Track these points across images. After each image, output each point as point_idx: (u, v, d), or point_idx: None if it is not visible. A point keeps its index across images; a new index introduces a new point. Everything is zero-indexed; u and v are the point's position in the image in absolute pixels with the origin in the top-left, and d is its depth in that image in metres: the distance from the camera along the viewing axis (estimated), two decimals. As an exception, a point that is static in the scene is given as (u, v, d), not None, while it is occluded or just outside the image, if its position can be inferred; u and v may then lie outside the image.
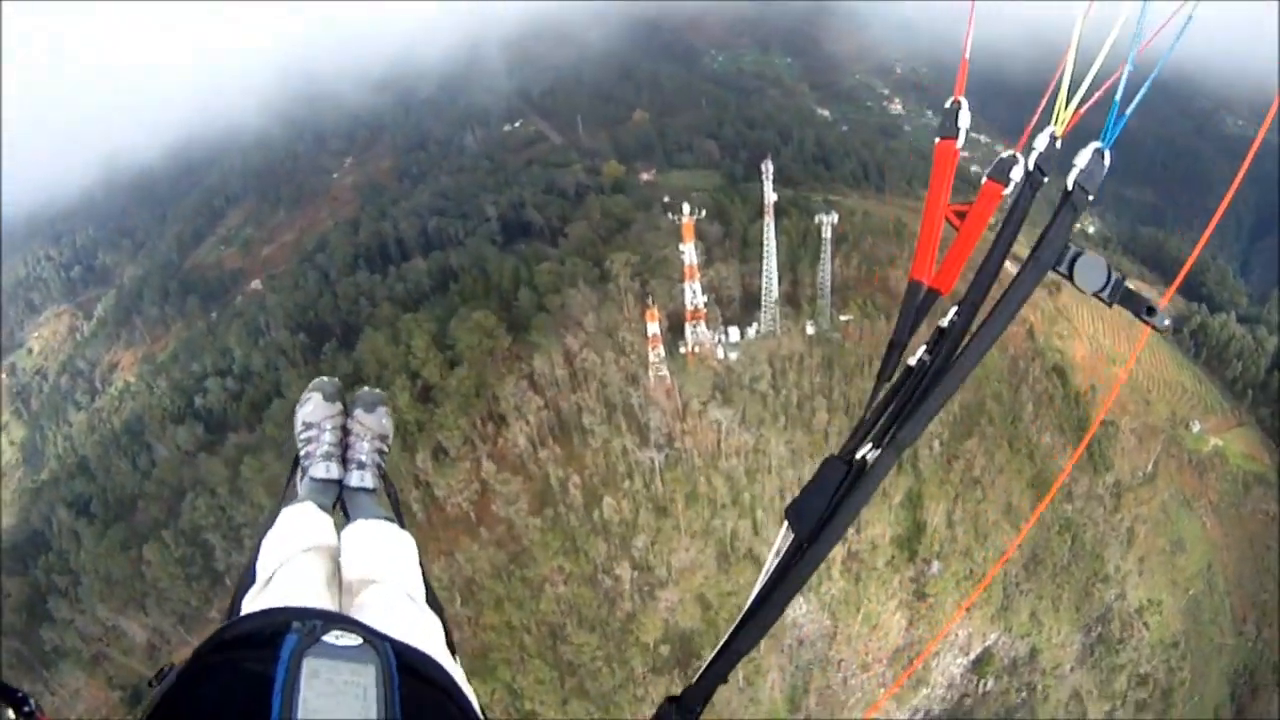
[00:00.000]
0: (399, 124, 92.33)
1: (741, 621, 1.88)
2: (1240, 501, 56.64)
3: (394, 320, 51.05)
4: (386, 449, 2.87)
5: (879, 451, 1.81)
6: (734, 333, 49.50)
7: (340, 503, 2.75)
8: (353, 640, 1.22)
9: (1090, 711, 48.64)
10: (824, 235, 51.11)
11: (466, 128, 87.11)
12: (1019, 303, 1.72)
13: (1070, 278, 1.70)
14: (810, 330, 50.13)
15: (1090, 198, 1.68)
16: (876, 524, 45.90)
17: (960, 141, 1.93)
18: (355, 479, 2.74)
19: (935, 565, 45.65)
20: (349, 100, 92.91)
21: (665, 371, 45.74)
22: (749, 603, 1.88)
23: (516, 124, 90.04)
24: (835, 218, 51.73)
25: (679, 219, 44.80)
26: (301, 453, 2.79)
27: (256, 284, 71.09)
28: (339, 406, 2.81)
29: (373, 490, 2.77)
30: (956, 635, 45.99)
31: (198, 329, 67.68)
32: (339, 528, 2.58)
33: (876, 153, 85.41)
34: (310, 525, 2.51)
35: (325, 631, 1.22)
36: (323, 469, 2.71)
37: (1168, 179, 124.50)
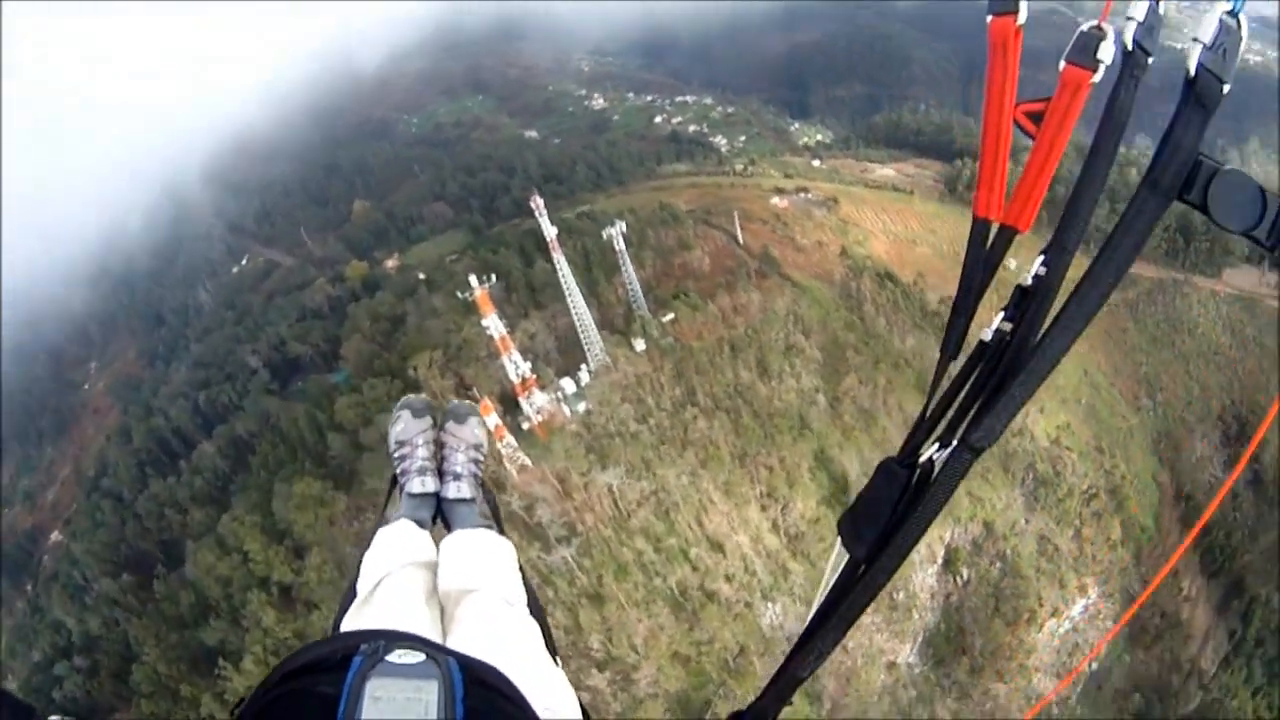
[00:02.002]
0: (127, 308, 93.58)
1: (798, 647, 1.83)
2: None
3: (213, 525, 50.58)
4: (482, 458, 3.17)
5: (947, 451, 1.57)
6: (568, 384, 50.90)
7: (440, 516, 3.05)
8: (416, 658, 1.37)
9: (1060, 544, 55.10)
10: (618, 246, 54.03)
11: (196, 285, 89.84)
12: (1135, 245, 1.36)
13: (1204, 208, 1.33)
14: (641, 346, 52.89)
15: (1225, 87, 1.32)
16: (799, 500, 51.59)
17: (1022, 17, 1.48)
18: (452, 491, 3.03)
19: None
20: (69, 304, 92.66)
21: (525, 459, 46.39)
22: (806, 626, 1.84)
23: (244, 261, 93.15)
24: (624, 225, 55.09)
25: (470, 295, 46.92)
26: (397, 470, 3.09)
27: (56, 536, 70.02)
28: (429, 421, 3.13)
29: (471, 500, 3.05)
30: (919, 552, 51.95)
31: (20, 613, 64.80)
32: (439, 541, 2.85)
33: (600, 151, 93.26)
34: (407, 541, 2.78)
35: (389, 651, 1.37)
36: (418, 484, 3.01)
37: (867, 67, 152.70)
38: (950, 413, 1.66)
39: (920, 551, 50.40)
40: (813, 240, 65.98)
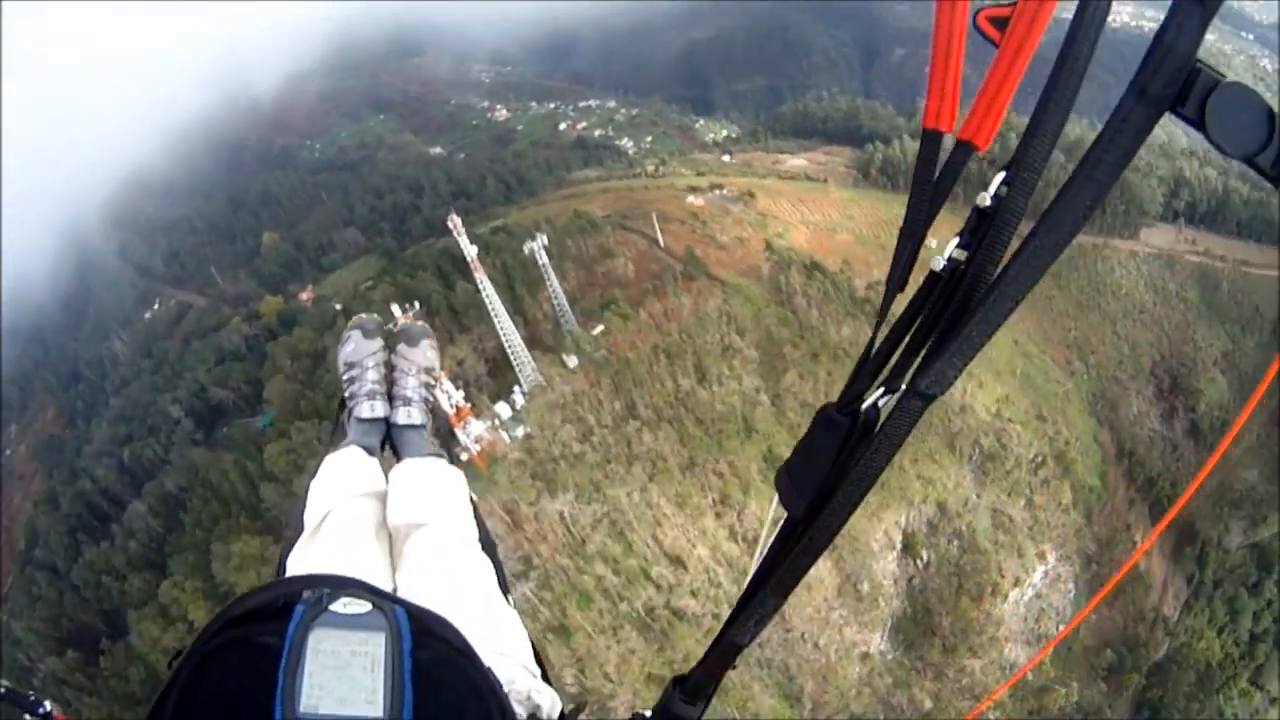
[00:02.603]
0: (42, 365, 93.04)
1: (736, 613, 1.82)
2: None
3: (153, 591, 50.36)
4: (434, 383, 3.23)
5: (894, 398, 1.50)
6: (504, 409, 51.44)
7: (390, 442, 3.10)
8: (362, 607, 1.37)
9: (1014, 515, 58.67)
10: (541, 261, 55.22)
11: (110, 335, 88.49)
12: (1119, 162, 1.22)
13: (1200, 124, 1.19)
14: (574, 362, 54.00)
15: None
16: (754, 503, 53.12)
17: None
18: (402, 416, 3.09)
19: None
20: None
21: (470, 494, 47.79)
22: (744, 590, 1.84)
23: (156, 306, 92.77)
24: (545, 239, 56.36)
25: (393, 325, 47.04)
26: (345, 394, 3.15)
27: (-4, 617, 66.74)
28: (380, 343, 3.16)
29: (421, 426, 3.12)
30: (876, 539, 54.10)
31: (-33, 706, 62.13)
32: (389, 468, 2.89)
33: (508, 163, 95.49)
34: (355, 470, 2.82)
35: (334, 599, 1.37)
36: (367, 408, 3.06)
37: (767, 59, 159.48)
38: (898, 354, 1.60)
39: (878, 539, 52.81)
40: (733, 237, 68.46)
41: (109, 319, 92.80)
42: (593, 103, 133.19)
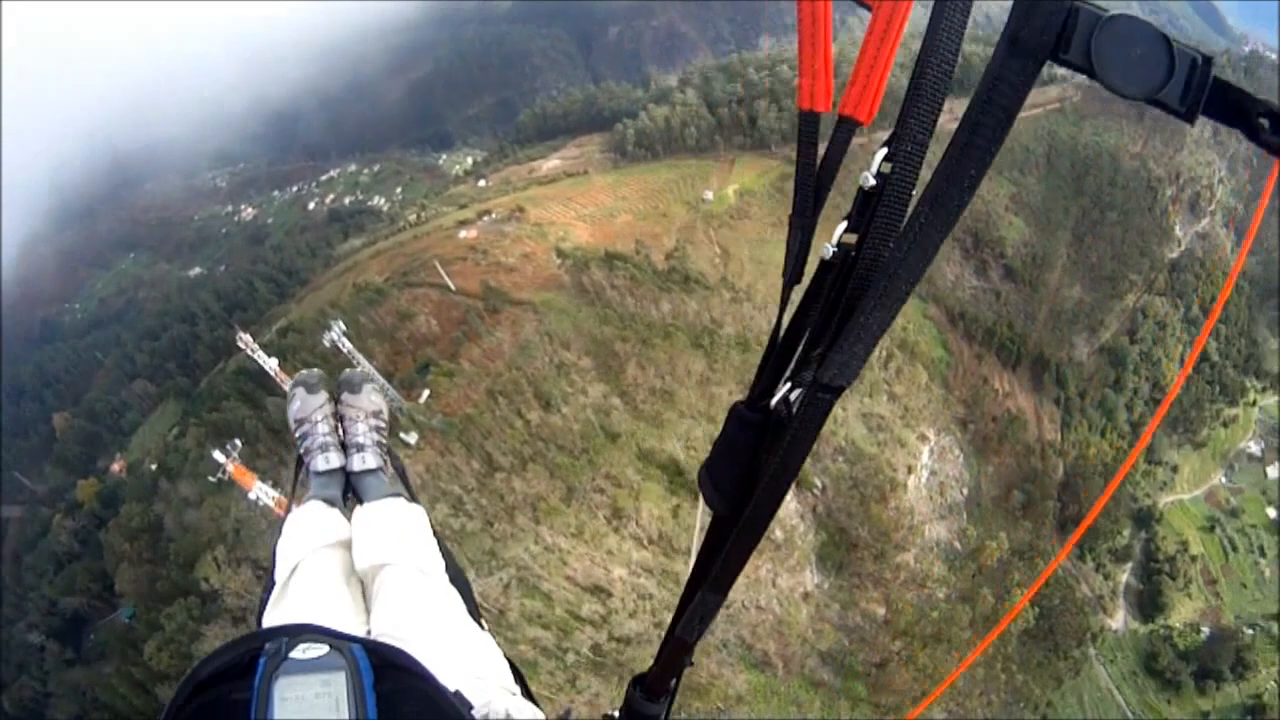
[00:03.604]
0: None
1: (679, 612, 2.00)
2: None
3: None
4: (384, 424, 3.55)
5: (800, 392, 1.57)
6: None
7: (351, 490, 3.44)
8: (320, 650, 1.52)
9: (883, 412, 65.65)
10: (344, 347, 56.52)
11: None
12: (1000, 124, 1.18)
13: (1088, 69, 1.13)
14: (414, 438, 54.98)
15: None
16: (645, 505, 56.09)
17: None
18: (357, 462, 3.42)
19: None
20: None
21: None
22: (683, 590, 1.99)
23: None
24: (341, 324, 58.09)
25: (223, 474, 46.78)
26: (300, 450, 3.47)
27: None
28: (325, 395, 3.50)
29: (377, 470, 3.44)
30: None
31: None
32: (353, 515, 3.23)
33: (270, 260, 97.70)
34: (318, 523, 3.15)
35: (293, 647, 1.52)
36: (322, 460, 3.39)
37: (489, 77, 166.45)
38: (800, 346, 1.69)
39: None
40: (519, 256, 71.88)
41: None
42: (333, 172, 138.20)
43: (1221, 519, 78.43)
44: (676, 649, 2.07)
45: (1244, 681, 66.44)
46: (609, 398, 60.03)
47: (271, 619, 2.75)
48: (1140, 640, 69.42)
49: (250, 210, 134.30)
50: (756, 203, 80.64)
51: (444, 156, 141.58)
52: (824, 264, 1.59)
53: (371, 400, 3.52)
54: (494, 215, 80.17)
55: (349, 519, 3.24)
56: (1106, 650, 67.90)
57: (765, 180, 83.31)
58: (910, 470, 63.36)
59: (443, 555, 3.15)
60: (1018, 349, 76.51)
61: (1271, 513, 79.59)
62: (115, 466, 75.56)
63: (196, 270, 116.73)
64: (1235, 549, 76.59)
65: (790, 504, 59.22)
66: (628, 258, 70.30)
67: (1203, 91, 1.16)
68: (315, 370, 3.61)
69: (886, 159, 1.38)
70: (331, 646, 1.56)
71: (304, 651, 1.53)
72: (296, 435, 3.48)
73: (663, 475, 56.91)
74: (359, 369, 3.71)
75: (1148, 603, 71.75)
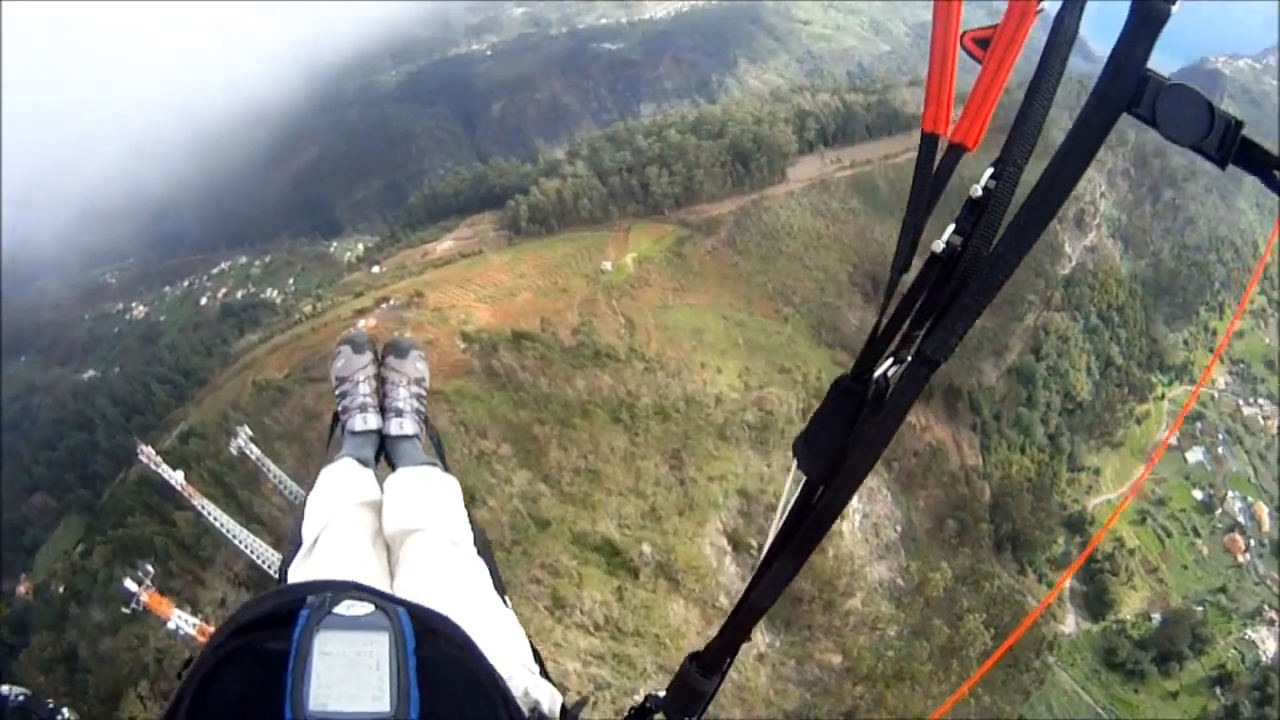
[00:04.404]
0: None
1: (756, 577, 2.14)
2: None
3: None
4: (424, 393, 3.62)
5: (902, 366, 1.91)
6: None
7: (385, 453, 3.48)
8: (365, 609, 1.51)
9: None
10: (252, 454, 55.66)
11: None
12: (1085, 157, 1.58)
13: (1153, 121, 1.52)
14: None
15: (1171, 7, 1.50)
16: (587, 590, 55.55)
17: None
18: (394, 427, 3.47)
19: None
20: None
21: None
22: (764, 553, 2.14)
23: None
24: (246, 429, 56.90)
25: (138, 604, 45.04)
26: (339, 408, 3.53)
27: None
28: (370, 356, 3.57)
29: (414, 436, 3.50)
30: (707, 555, 59.65)
31: None
32: (384, 479, 3.24)
33: (165, 360, 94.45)
34: (350, 482, 3.18)
35: (337, 603, 1.51)
36: (360, 421, 3.44)
37: (375, 159, 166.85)
38: (904, 329, 1.99)
39: (709, 554, 57.54)
40: (422, 343, 69.72)
41: None
42: (224, 265, 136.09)
43: (1151, 510, 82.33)
44: (748, 617, 2.21)
45: (1204, 656, 69.94)
46: (534, 484, 59.37)
47: (297, 574, 2.77)
48: (1095, 639, 71.87)
49: (142, 308, 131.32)
50: (655, 269, 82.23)
51: (335, 244, 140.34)
52: (933, 257, 1.89)
53: (416, 367, 3.61)
54: (392, 302, 79.15)
55: (380, 482, 3.26)
56: (1065, 655, 69.77)
57: (662, 246, 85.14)
58: (843, 517, 63.91)
59: (472, 528, 3.16)
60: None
61: (1198, 494, 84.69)
62: (21, 589, 70.90)
63: (90, 373, 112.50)
64: (1170, 535, 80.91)
65: (731, 567, 59.34)
66: (535, 336, 70.28)
67: (1233, 145, 1.51)
68: (363, 329, 4.18)
69: (992, 176, 1.75)
70: (377, 606, 1.55)
71: (348, 608, 1.53)
72: (336, 393, 3.55)
73: (600, 557, 56.36)
74: (409, 336, 3.86)
75: (1095, 602, 74.59)
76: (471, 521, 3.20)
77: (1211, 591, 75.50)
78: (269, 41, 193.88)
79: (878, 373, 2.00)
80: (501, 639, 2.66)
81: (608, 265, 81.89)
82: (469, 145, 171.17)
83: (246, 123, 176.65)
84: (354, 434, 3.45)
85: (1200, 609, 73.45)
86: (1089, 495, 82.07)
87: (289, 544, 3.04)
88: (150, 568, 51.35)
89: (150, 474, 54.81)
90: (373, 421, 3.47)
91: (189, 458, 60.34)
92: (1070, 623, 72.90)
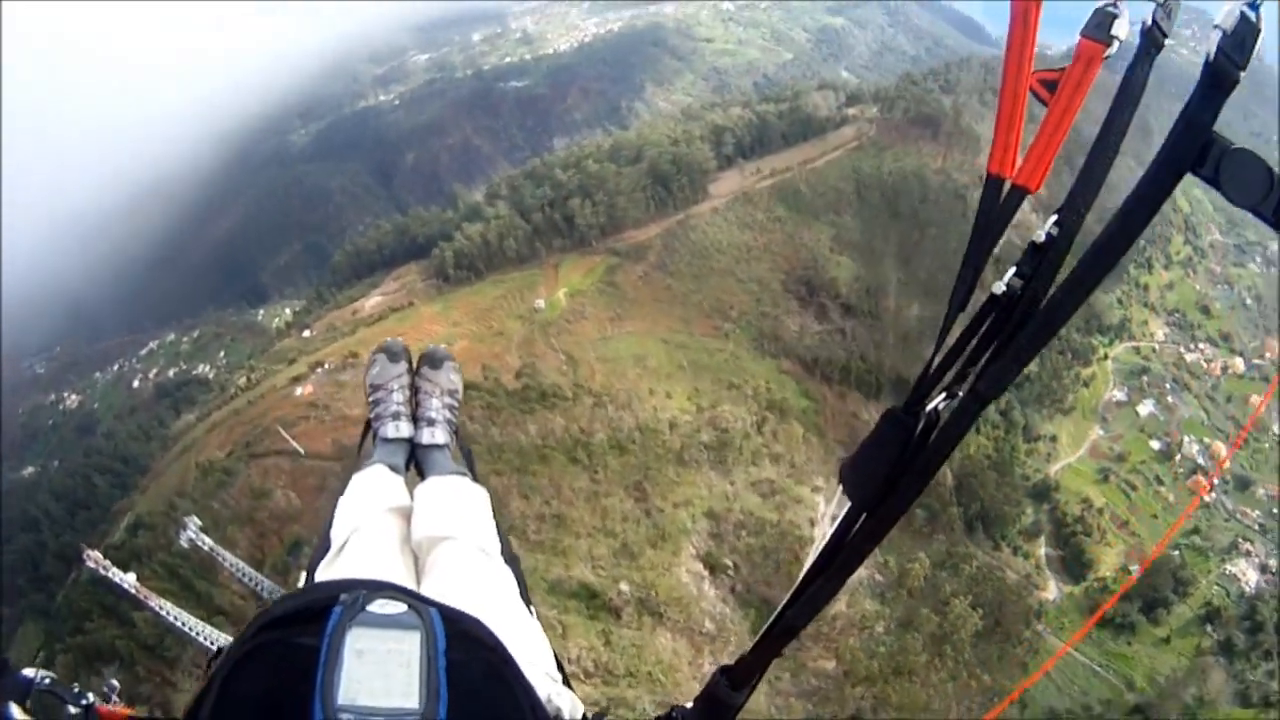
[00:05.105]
0: None
1: (795, 595, 2.16)
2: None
3: None
4: (457, 404, 3.65)
5: (955, 401, 1.90)
6: None
7: (415, 462, 3.50)
8: (398, 608, 1.54)
9: (770, 476, 67.71)
10: (203, 544, 54.16)
11: None
12: (1148, 213, 1.62)
13: (1216, 183, 1.55)
14: None
15: (1240, 72, 1.53)
16: (572, 639, 54.39)
17: None
18: (426, 436, 3.49)
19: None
20: None
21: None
22: (802, 574, 2.18)
23: None
24: (195, 520, 55.81)
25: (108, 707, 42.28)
26: (371, 415, 3.55)
27: None
28: (405, 365, 3.59)
29: (444, 446, 3.51)
30: (685, 581, 59.11)
31: None
32: (413, 487, 3.26)
33: (104, 450, 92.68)
34: (381, 488, 3.21)
35: (370, 601, 1.54)
36: (392, 428, 3.46)
37: (293, 222, 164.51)
38: (958, 365, 2.00)
39: (686, 580, 56.95)
40: (361, 405, 68.86)
41: None
42: (153, 344, 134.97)
43: (1112, 467, 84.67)
44: (783, 634, 2.19)
45: (1189, 597, 71.85)
46: (500, 538, 58.19)
47: (324, 578, 2.76)
48: (1079, 600, 73.26)
49: (75, 397, 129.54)
50: (590, 301, 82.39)
51: (262, 311, 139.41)
52: (992, 298, 1.92)
53: (450, 379, 3.62)
54: (327, 366, 77.53)
55: (410, 490, 3.29)
56: (1053, 621, 71.04)
57: (593, 277, 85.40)
58: (813, 523, 64.40)
59: (500, 539, 3.16)
60: (876, 378, 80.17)
61: (1155, 444, 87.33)
62: (-15, 711, 67.94)
63: (29, 469, 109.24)
64: (1134, 488, 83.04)
65: (710, 590, 58.84)
66: (478, 385, 69.21)
67: None
68: (399, 339, 3.71)
69: (1055, 223, 1.82)
70: (410, 606, 1.57)
71: (381, 607, 1.55)
72: (370, 400, 3.55)
73: (579, 603, 55.46)
74: (443, 346, 3.80)
75: (1072, 564, 76.28)
76: (499, 532, 3.21)
77: (1185, 534, 77.30)
78: (173, 105, 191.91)
79: (929, 406, 1.99)
80: (527, 646, 2.65)
81: (541, 303, 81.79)
82: (386, 197, 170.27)
83: (157, 196, 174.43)
84: (385, 441, 3.47)
85: (1176, 553, 74.97)
86: (1049, 463, 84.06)
87: (317, 546, 3.04)
88: (115, 682, 48.61)
89: (98, 574, 53.11)
90: (405, 429, 3.48)
91: (140, 552, 58.92)
92: (1052, 589, 74.18)
